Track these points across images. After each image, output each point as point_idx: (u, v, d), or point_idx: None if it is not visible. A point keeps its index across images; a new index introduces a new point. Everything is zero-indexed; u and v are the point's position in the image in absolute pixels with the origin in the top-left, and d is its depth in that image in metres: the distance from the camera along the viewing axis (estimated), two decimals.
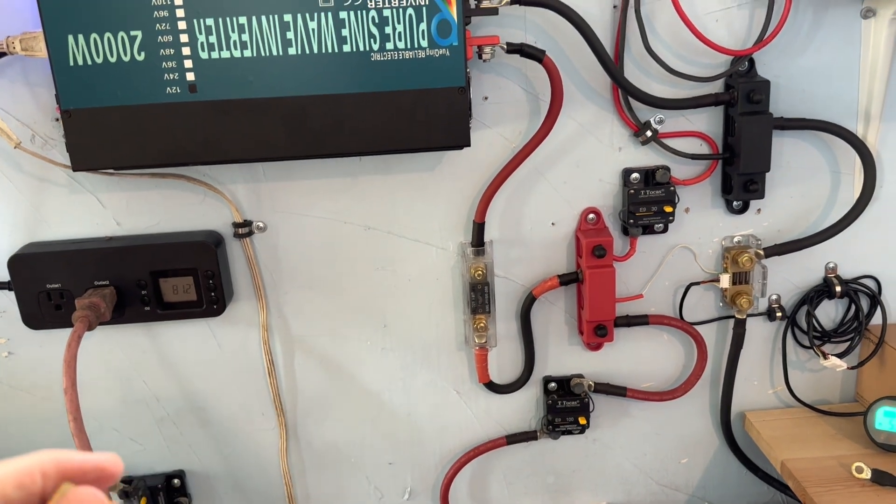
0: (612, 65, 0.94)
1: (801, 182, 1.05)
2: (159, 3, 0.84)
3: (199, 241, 0.99)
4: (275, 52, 0.86)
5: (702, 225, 1.06)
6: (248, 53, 0.86)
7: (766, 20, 0.94)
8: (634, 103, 0.99)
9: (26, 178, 0.98)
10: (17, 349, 1.06)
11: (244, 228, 1.01)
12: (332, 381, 1.11)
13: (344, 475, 1.17)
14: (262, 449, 1.14)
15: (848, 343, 1.10)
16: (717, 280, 1.07)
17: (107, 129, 0.87)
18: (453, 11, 0.85)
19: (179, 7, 0.84)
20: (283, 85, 0.87)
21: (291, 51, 0.86)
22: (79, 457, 0.36)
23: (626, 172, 1.02)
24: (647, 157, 1.02)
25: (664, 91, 0.99)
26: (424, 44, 0.86)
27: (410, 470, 1.17)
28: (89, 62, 0.85)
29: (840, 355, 1.09)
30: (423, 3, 0.85)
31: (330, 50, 0.86)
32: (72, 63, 0.85)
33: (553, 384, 1.12)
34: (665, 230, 1.05)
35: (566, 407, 1.11)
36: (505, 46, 0.91)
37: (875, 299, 1.08)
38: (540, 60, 0.92)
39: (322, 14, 0.85)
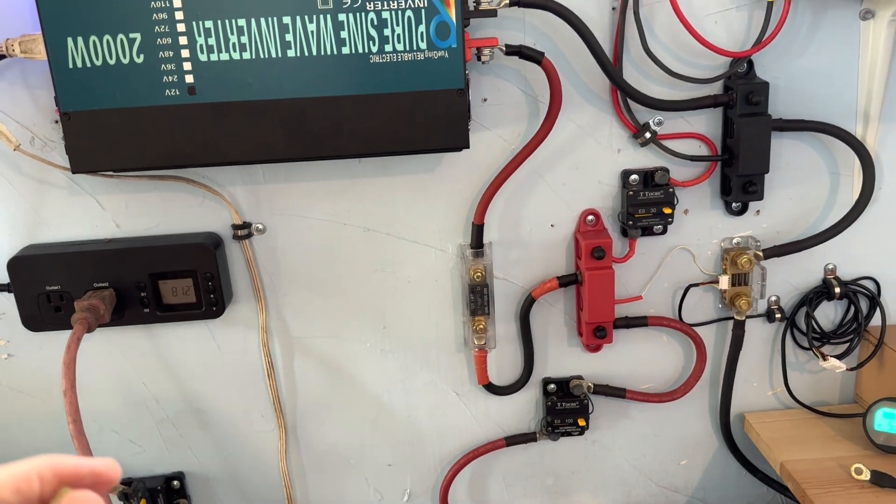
0: (611, 66, 0.94)
1: (800, 183, 1.05)
2: (158, 6, 0.84)
3: (198, 243, 0.99)
4: (274, 55, 0.86)
5: (701, 226, 1.06)
6: (247, 55, 0.86)
7: (765, 22, 0.94)
8: (633, 105, 0.99)
9: (26, 180, 0.99)
10: (17, 351, 1.06)
11: (243, 230, 1.01)
12: (332, 383, 1.11)
13: (343, 477, 1.17)
14: (262, 450, 1.14)
15: (847, 344, 1.10)
16: (717, 281, 1.07)
17: (106, 131, 0.87)
18: (452, 13, 0.85)
19: (178, 9, 0.84)
20: (283, 87, 0.87)
21: (290, 53, 0.86)
22: (76, 462, 0.36)
23: (625, 174, 1.02)
24: (646, 158, 1.02)
25: (663, 93, 0.99)
26: (423, 46, 0.86)
27: (410, 471, 1.17)
28: (88, 64, 0.85)
29: (839, 356, 1.09)
30: (421, 6, 0.85)
31: (329, 52, 0.86)
32: (71, 65, 0.85)
33: (552, 386, 1.12)
34: (664, 232, 1.05)
35: (565, 408, 1.11)
36: (504, 48, 0.91)
37: (874, 300, 1.08)
38: (539, 62, 0.92)
39: (321, 16, 0.85)
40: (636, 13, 0.93)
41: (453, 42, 0.87)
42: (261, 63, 0.86)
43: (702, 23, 0.96)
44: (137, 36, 0.84)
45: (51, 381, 1.08)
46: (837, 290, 1.07)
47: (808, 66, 0.99)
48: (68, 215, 1.00)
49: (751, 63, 0.98)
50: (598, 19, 0.96)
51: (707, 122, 1.01)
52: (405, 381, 1.12)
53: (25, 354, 1.06)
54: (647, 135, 0.99)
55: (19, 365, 1.07)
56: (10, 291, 0.99)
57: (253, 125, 0.88)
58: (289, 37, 0.85)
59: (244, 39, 0.85)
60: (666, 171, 1.01)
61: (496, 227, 1.05)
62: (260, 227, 1.03)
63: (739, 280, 1.06)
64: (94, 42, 0.84)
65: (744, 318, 1.08)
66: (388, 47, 0.86)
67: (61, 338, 0.94)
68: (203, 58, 0.85)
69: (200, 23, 0.84)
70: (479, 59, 0.92)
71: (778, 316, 1.09)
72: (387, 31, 0.86)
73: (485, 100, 0.99)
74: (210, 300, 1.00)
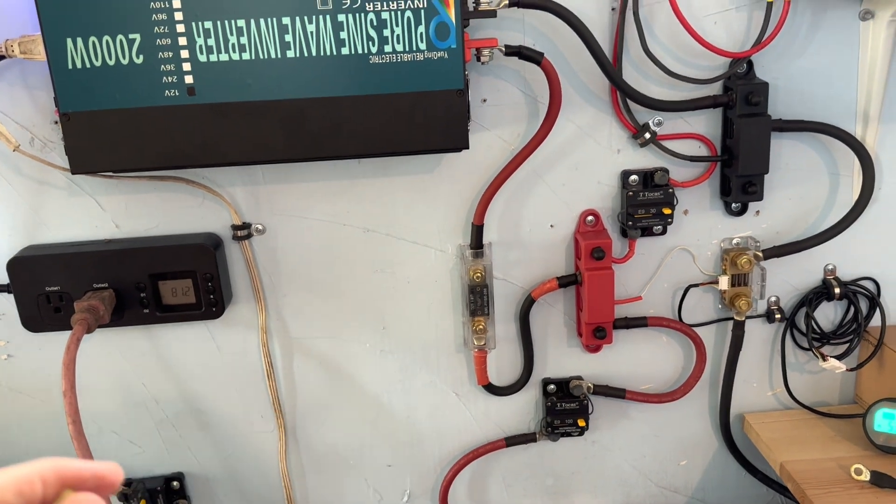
0: (611, 67, 0.94)
1: (800, 184, 1.05)
2: (158, 6, 0.84)
3: (197, 244, 0.99)
4: (273, 55, 0.86)
5: (700, 227, 1.06)
6: (246, 56, 0.86)
7: (765, 22, 0.94)
8: (633, 105, 0.99)
9: (25, 181, 0.99)
10: (17, 352, 1.06)
11: (243, 231, 1.01)
12: (332, 384, 1.11)
13: (343, 477, 1.17)
14: (262, 451, 1.14)
15: (847, 345, 1.10)
16: (716, 282, 1.07)
17: (105, 131, 0.87)
18: (451, 14, 0.85)
19: (178, 10, 0.84)
20: (282, 88, 0.87)
21: (290, 53, 0.86)
22: (79, 465, 0.36)
23: (625, 174, 1.02)
24: (646, 159, 1.02)
25: (662, 93, 0.99)
26: (423, 46, 0.86)
27: (409, 472, 1.17)
28: (88, 65, 0.85)
29: (839, 357, 1.09)
30: (421, 6, 0.85)
31: (328, 53, 0.86)
32: (70, 66, 0.85)
33: (552, 386, 1.12)
34: (664, 232, 1.05)
35: (565, 409, 1.11)
36: (503, 49, 0.91)
37: (874, 301, 1.08)
38: (538, 63, 0.92)
39: (320, 17, 0.85)
40: (636, 14, 0.93)
41: (453, 42, 0.87)
42: (260, 64, 0.86)
43: (701, 23, 0.96)
44: (137, 37, 0.84)
45: (50, 382, 1.08)
46: (837, 290, 1.07)
47: (807, 67, 0.99)
48: (68, 216, 1.00)
49: (750, 63, 0.98)
50: (597, 20, 0.96)
51: (707, 123, 1.01)
52: (405, 382, 1.12)
53: (25, 355, 1.06)
54: (647, 135, 0.99)
55: (19, 366, 1.07)
56: (9, 292, 0.99)
57: (252, 126, 0.88)
58: (288, 37, 0.85)
59: (244, 40, 0.85)
60: (665, 171, 1.01)
61: (496, 228, 1.05)
62: (259, 227, 1.03)
63: (739, 280, 1.06)
64: (93, 43, 0.84)
65: (743, 319, 1.08)
66: (388, 48, 0.86)
67: (61, 338, 0.94)
68: (202, 58, 0.85)
69: (200, 23, 0.84)
70: (478, 59, 0.92)
71: (778, 316, 1.09)
72: (386, 32, 0.86)
73: (484, 100, 0.99)
74: (210, 301, 1.00)
